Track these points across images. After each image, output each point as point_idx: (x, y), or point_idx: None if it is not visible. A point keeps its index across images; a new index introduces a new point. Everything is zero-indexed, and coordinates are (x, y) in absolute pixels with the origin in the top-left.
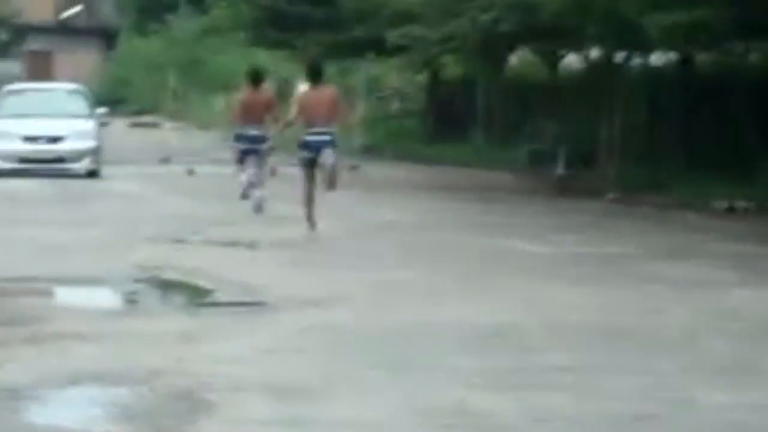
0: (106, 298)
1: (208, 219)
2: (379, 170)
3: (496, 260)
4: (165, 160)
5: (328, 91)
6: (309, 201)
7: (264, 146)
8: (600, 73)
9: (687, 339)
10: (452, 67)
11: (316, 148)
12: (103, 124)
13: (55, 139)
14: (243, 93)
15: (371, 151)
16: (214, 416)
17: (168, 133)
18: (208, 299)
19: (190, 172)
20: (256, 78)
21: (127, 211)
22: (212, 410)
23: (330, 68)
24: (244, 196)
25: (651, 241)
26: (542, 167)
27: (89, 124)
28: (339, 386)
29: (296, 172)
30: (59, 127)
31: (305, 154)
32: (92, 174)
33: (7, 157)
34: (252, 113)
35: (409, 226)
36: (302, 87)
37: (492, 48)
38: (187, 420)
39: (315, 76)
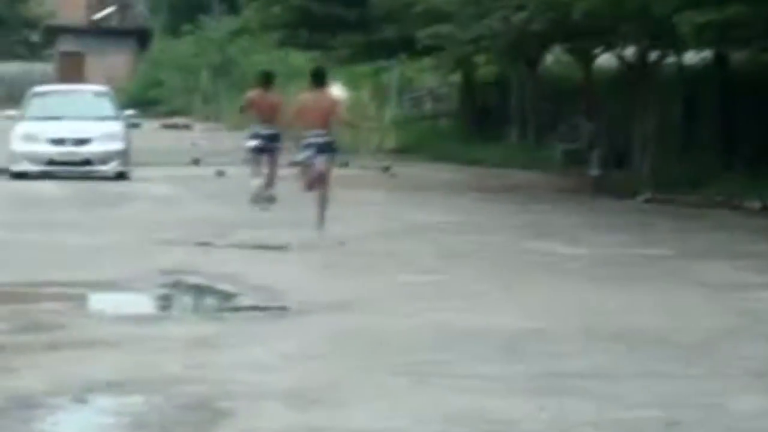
0: (128, 303)
1: (236, 222)
2: (411, 171)
3: (529, 263)
4: (195, 162)
5: (328, 97)
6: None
7: (277, 145)
8: (634, 72)
9: (718, 342)
10: (486, 67)
11: (316, 149)
12: (134, 126)
13: (82, 142)
14: (253, 93)
15: (405, 152)
16: (230, 426)
17: (199, 135)
18: (232, 304)
19: (220, 174)
20: (267, 79)
21: (153, 214)
22: (228, 419)
23: (363, 69)
24: (255, 200)
25: (684, 241)
26: (577, 167)
27: (116, 126)
28: (360, 393)
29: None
30: (86, 129)
31: (306, 154)
32: (120, 176)
33: (34, 159)
34: (263, 113)
35: (441, 227)
36: (336, 89)
37: (524, 47)
38: (202, 430)
39: (318, 80)
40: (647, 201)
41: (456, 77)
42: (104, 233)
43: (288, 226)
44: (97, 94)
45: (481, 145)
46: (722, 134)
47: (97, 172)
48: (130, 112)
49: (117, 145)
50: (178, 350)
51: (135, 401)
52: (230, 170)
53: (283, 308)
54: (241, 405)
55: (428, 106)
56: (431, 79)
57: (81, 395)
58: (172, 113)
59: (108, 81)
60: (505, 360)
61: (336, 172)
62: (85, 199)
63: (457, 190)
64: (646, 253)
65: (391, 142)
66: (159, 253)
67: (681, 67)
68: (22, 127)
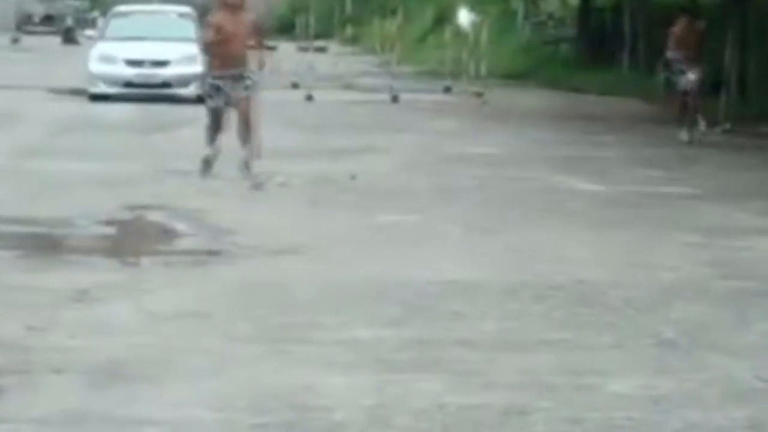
0: (43, 246)
1: (269, 151)
2: (507, 98)
3: (536, 201)
4: (294, 86)
5: None
6: None
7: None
8: (735, 1)
9: (660, 301)
10: None
11: None
12: (271, 48)
13: (160, 64)
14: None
15: (517, 77)
16: None
17: (326, 57)
18: (160, 247)
19: (308, 98)
20: None
21: (190, 140)
22: None
23: None
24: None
25: (719, 179)
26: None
27: (197, 49)
28: (190, 368)
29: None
30: (165, 51)
31: None
32: (201, 99)
33: (110, 81)
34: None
35: (481, 159)
36: (462, 14)
37: None
38: None
39: None
40: (725, 132)
41: (575, 1)
42: (115, 162)
43: (309, 156)
44: (181, 15)
45: (593, 71)
46: None
47: (176, 95)
48: None
49: (197, 68)
50: (41, 305)
51: None
52: (322, 95)
53: (210, 253)
54: (28, 381)
55: (550, 31)
56: (553, 3)
57: None
58: (316, 36)
59: (267, 5)
60: (398, 323)
61: (424, 97)
62: (141, 123)
63: (534, 118)
64: (666, 192)
65: (499, 67)
66: (150, 183)
67: None
68: (100, 48)
